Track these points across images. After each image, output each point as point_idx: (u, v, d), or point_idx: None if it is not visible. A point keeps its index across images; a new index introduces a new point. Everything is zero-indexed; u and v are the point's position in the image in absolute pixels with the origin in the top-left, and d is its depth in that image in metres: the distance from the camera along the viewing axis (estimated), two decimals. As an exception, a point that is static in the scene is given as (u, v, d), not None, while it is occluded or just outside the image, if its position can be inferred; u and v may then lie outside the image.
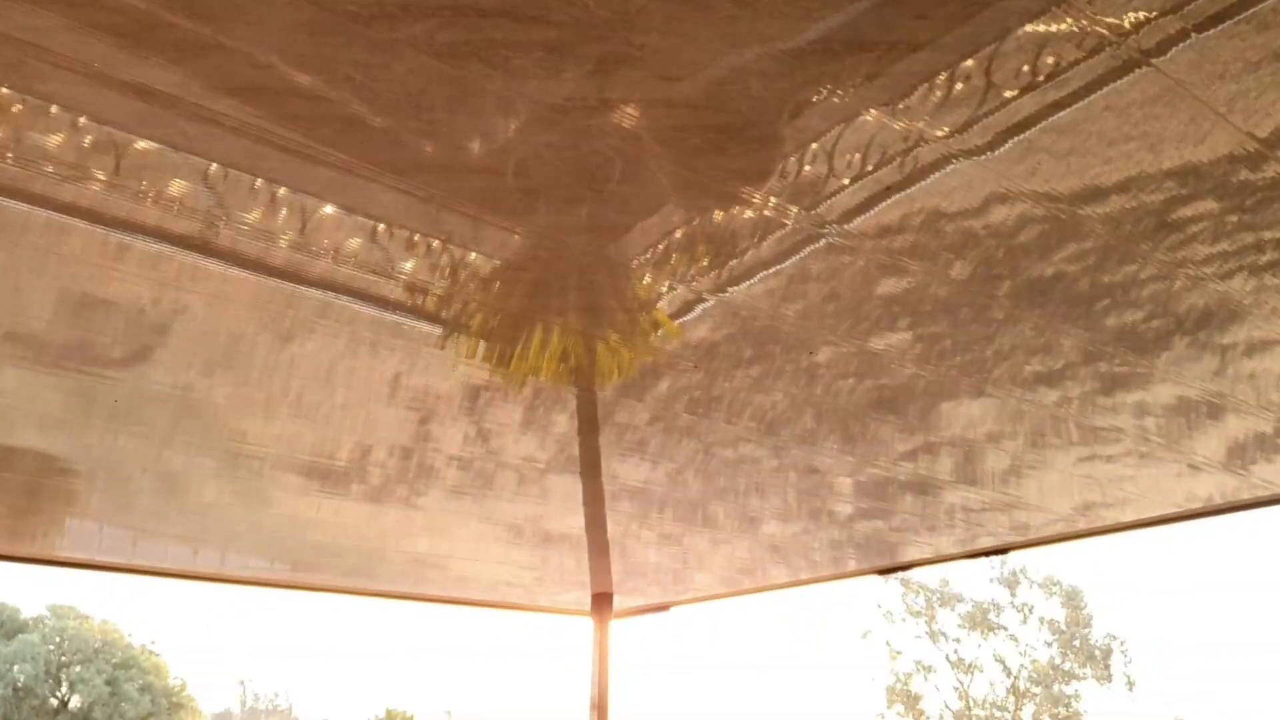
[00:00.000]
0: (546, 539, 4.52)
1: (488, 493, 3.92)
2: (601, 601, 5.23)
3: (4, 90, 1.64)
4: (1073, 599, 39.74)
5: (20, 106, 1.67)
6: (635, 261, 2.18)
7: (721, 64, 1.60)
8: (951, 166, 1.88)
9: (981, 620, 40.41)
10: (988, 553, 4.09)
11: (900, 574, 40.37)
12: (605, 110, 1.69)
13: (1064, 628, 39.43)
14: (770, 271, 2.20)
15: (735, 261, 2.14)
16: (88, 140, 1.73)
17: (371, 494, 3.95)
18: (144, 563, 4.72)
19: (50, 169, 1.81)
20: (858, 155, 1.88)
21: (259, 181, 1.87)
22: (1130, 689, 38.39)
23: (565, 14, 1.48)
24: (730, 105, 1.69)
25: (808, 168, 1.88)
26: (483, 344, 2.48)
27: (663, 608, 5.63)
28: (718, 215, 2.01)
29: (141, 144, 1.76)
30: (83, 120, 1.70)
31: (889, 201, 1.98)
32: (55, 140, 1.72)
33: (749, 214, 2.00)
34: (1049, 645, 39.62)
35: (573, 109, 1.68)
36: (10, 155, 1.76)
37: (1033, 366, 2.80)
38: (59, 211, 1.94)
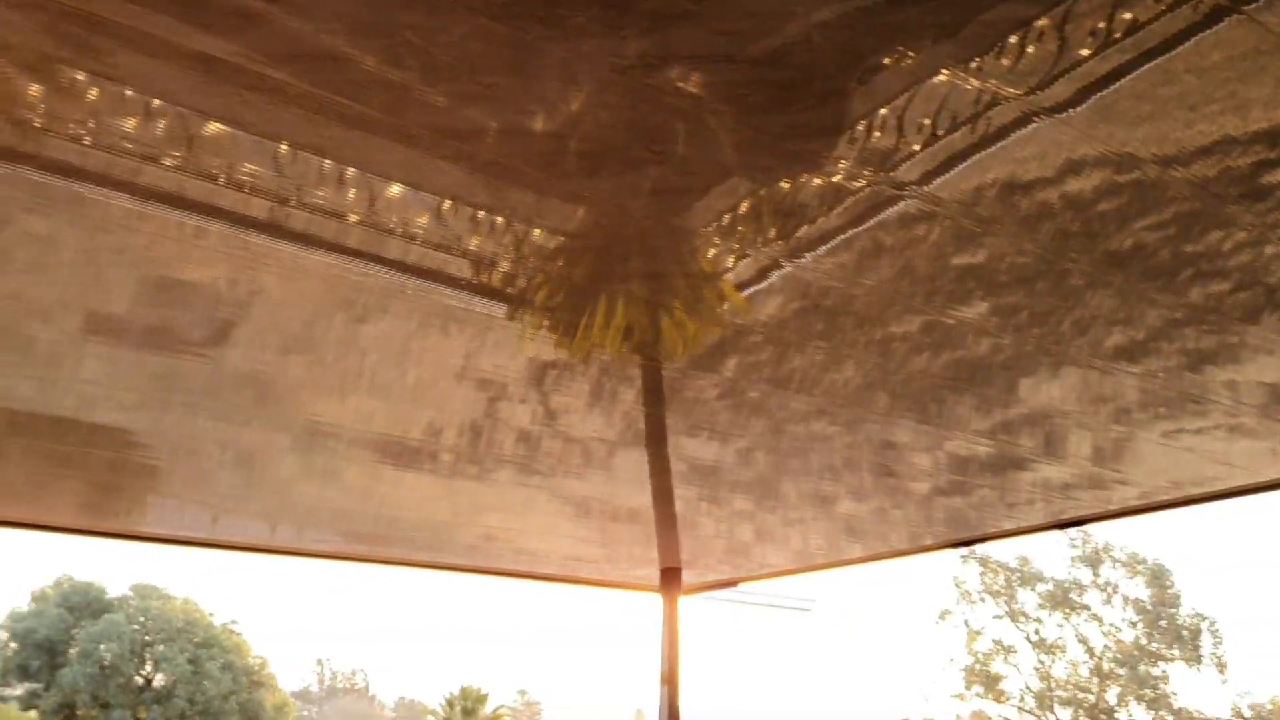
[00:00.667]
0: (614, 516, 4.53)
1: (556, 470, 3.94)
2: (670, 576, 5.27)
3: (79, 75, 1.68)
4: (1158, 577, 38.87)
5: (95, 90, 1.70)
6: (700, 230, 2.16)
7: (783, 17, 1.56)
8: (1030, 127, 1.82)
9: (1063, 600, 39.74)
10: (1069, 524, 4.00)
11: (978, 548, 39.87)
12: (665, 68, 1.66)
13: (1149, 607, 38.60)
14: (841, 239, 2.15)
15: (804, 229, 2.10)
16: (161, 124, 1.76)
17: (443, 471, 3.99)
18: (224, 537, 4.84)
19: (126, 152, 1.84)
20: (928, 119, 1.83)
21: (327, 163, 1.89)
22: (1221, 671, 37.45)
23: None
24: (793, 61, 1.65)
25: (876, 132, 1.84)
26: (547, 318, 2.48)
27: (731, 583, 5.65)
28: (784, 182, 1.98)
29: (212, 126, 1.78)
30: (156, 102, 1.72)
31: (965, 165, 1.92)
32: (129, 124, 1.75)
33: (817, 180, 1.96)
34: (1134, 625, 38.85)
35: (632, 68, 1.66)
36: (87, 139, 1.79)
37: (1114, 338, 2.72)
38: (136, 195, 1.98)
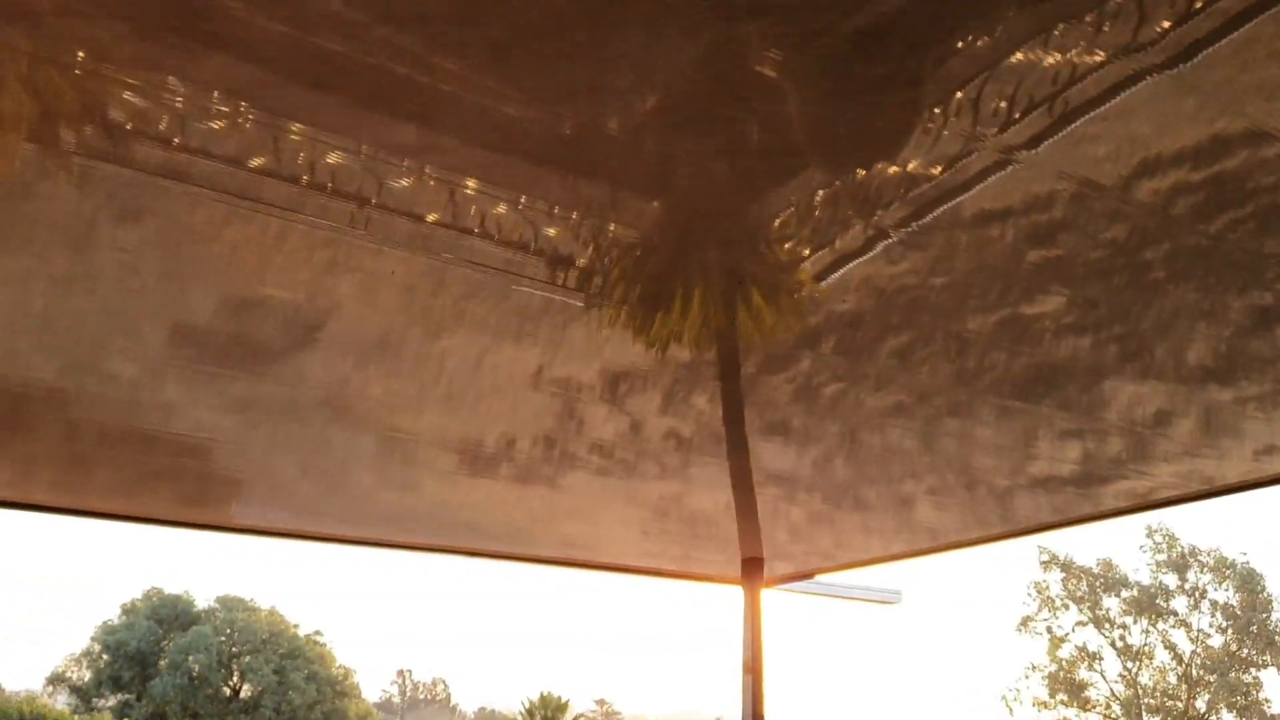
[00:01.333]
0: (694, 510, 4.53)
1: (633, 474, 3.94)
2: (752, 567, 5.30)
3: (168, 78, 1.72)
4: (1248, 582, 37.70)
5: (183, 93, 1.75)
6: (777, 220, 2.15)
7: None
8: (1116, 101, 1.78)
9: (1149, 605, 38.75)
10: (1156, 505, 3.90)
11: (1061, 553, 39.00)
12: (743, 47, 1.65)
13: (1239, 612, 37.45)
14: (918, 226, 2.13)
15: (879, 214, 2.08)
16: (249, 122, 1.80)
17: (519, 476, 4.02)
18: (308, 528, 4.93)
19: (211, 155, 1.89)
20: (1003, 101, 1.81)
21: (406, 161, 1.92)
22: (1316, 677, 36.16)
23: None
24: (882, 31, 1.62)
25: (953, 117, 1.82)
26: (625, 312, 2.49)
27: (812, 574, 5.64)
28: (860, 172, 1.97)
29: (295, 126, 1.82)
30: (242, 104, 1.77)
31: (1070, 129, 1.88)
32: (217, 125, 1.80)
33: (893, 169, 1.95)
34: (1223, 631, 37.73)
35: (710, 44, 1.65)
36: (176, 141, 1.84)
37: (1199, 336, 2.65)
38: (221, 198, 2.02)
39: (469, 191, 2.02)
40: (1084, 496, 4.02)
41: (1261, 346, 2.76)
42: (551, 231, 2.16)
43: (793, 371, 2.96)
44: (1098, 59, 1.69)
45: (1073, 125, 1.82)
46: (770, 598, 5.61)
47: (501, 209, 2.08)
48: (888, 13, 1.59)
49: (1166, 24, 1.62)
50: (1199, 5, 1.59)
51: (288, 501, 4.54)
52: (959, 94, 1.78)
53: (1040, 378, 2.96)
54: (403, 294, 2.56)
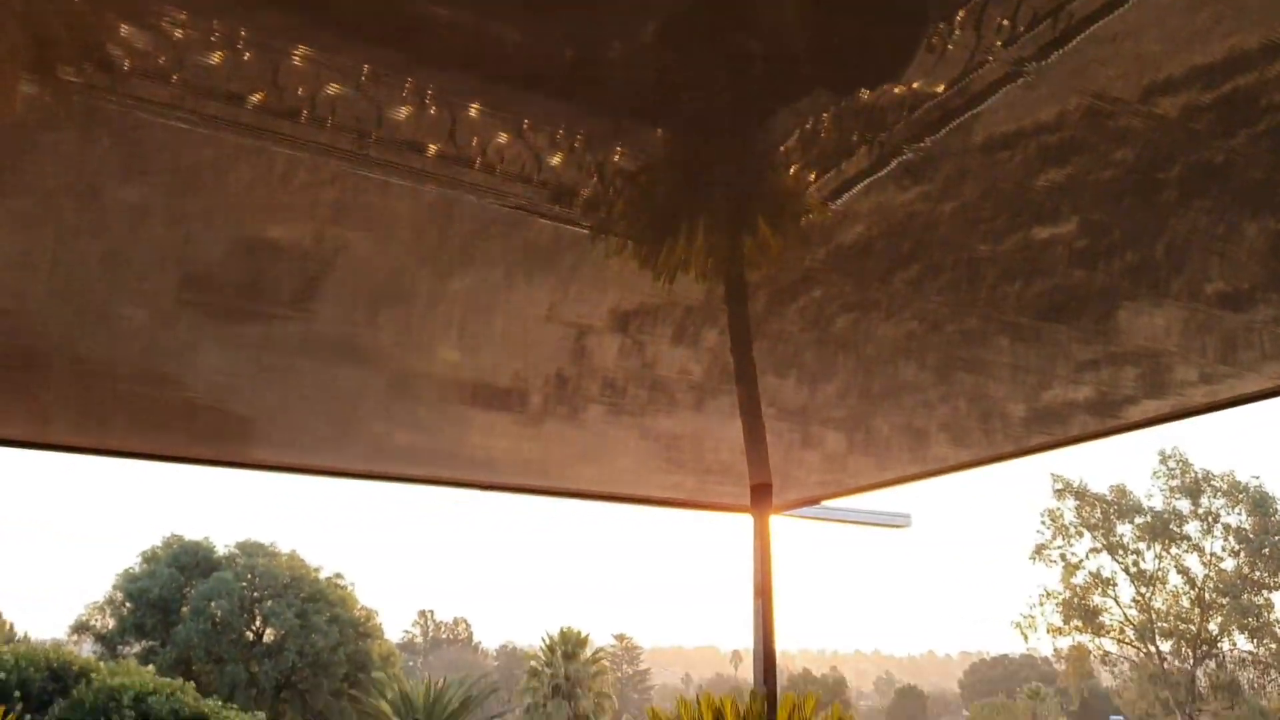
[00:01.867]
0: (704, 449, 4.56)
1: (645, 409, 3.96)
2: (760, 493, 5.38)
3: (166, 10, 1.70)
4: (1260, 505, 37.80)
5: (182, 25, 1.73)
6: (782, 145, 2.13)
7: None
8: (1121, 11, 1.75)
9: (1162, 531, 38.92)
10: (1167, 419, 3.88)
11: (1075, 480, 39.10)
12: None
13: (1251, 535, 37.61)
14: (921, 145, 2.11)
15: (884, 135, 2.06)
16: (248, 52, 1.79)
17: (533, 413, 4.05)
18: (325, 464, 4.98)
19: (212, 91, 1.88)
20: (1006, 19, 1.78)
21: (405, 88, 1.90)
22: (1328, 597, 36.42)
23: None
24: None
25: (956, 33, 1.80)
26: (631, 242, 2.48)
27: (816, 500, 5.71)
28: (864, 93, 1.94)
29: (297, 53, 1.80)
30: (242, 31, 1.75)
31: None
32: (215, 58, 1.78)
33: (898, 89, 1.93)
34: (1235, 554, 37.92)
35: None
36: (174, 78, 1.83)
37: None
38: (224, 135, 2.02)
39: (470, 118, 2.00)
40: (1095, 416, 4.02)
41: (1277, 269, 2.74)
42: (555, 161, 2.15)
43: (803, 302, 2.96)
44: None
45: (1081, 36, 1.79)
46: (783, 524, 5.70)
47: (503, 138, 2.06)
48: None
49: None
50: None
51: (303, 440, 4.58)
52: (962, 11, 1.76)
53: (1053, 304, 2.95)
54: (411, 233, 2.55)
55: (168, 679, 20.40)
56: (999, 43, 1.80)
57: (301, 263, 2.68)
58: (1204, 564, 38.40)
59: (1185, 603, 38.51)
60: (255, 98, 1.90)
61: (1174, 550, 38.93)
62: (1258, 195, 2.37)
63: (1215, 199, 2.39)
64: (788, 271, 2.71)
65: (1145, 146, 2.15)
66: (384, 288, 2.86)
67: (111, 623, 31.94)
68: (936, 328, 3.16)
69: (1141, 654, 39.22)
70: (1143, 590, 39.16)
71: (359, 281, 2.81)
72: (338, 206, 2.38)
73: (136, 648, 30.84)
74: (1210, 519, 38.65)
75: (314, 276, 2.75)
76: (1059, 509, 40.81)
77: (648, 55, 1.84)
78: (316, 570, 32.77)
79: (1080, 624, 39.71)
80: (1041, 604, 40.38)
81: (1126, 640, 39.53)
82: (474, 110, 1.97)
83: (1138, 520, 39.51)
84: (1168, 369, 3.46)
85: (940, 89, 1.91)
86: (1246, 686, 37.12)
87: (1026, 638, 40.88)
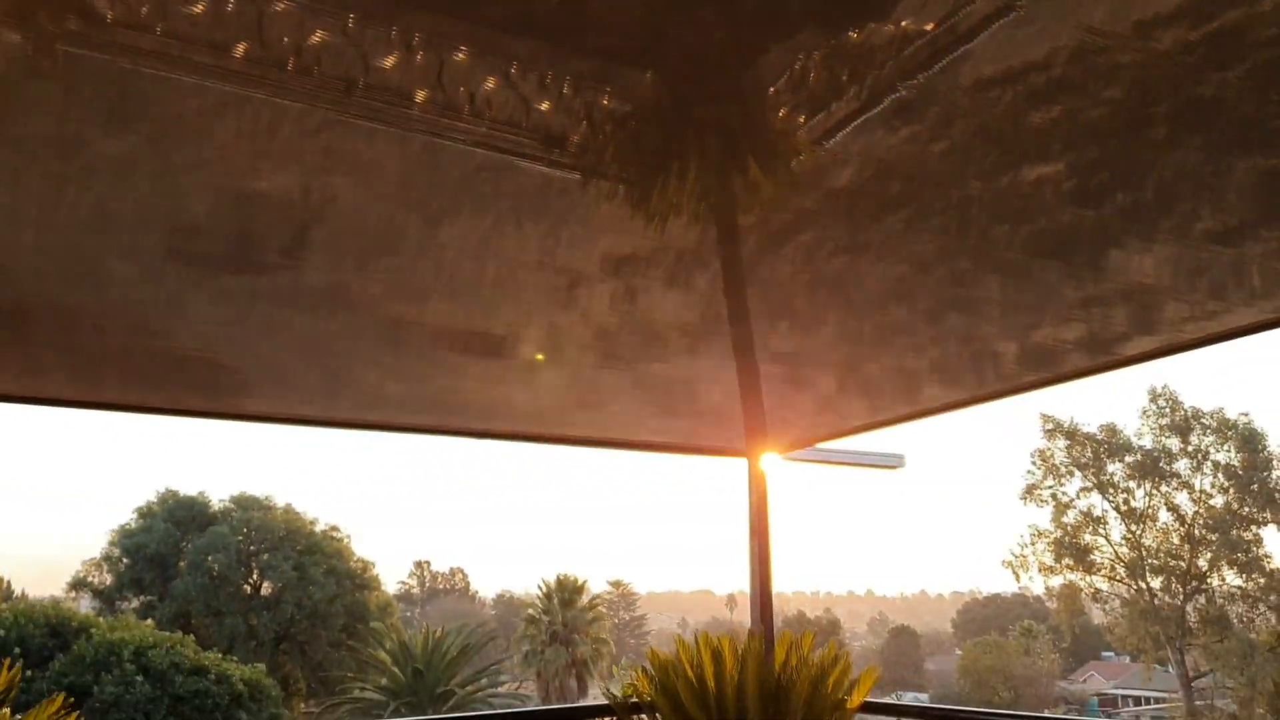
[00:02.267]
0: (698, 395, 4.58)
1: (640, 356, 3.97)
2: (754, 438, 5.43)
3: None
4: (1249, 441, 38.14)
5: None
6: (770, 86, 2.12)
7: None
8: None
9: (1152, 469, 39.28)
10: (1158, 354, 3.88)
11: (1067, 420, 39.34)
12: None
13: (1240, 472, 37.97)
14: (912, 83, 2.10)
15: (873, 75, 2.05)
16: (230, 5, 1.77)
17: (526, 364, 4.05)
18: (317, 414, 5.00)
19: (197, 40, 1.85)
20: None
21: (393, 33, 1.88)
22: (1316, 531, 36.84)
23: None
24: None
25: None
26: (622, 186, 2.47)
27: (808, 443, 5.76)
28: (853, 33, 1.93)
29: (280, 4, 1.78)
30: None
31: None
32: (198, 7, 1.76)
33: (888, 27, 1.91)
34: (1224, 490, 38.32)
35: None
36: (159, 27, 1.81)
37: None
38: (208, 85, 1.99)
39: (458, 62, 1.98)
40: (1087, 354, 4.04)
41: (1266, 206, 2.75)
42: (544, 106, 2.13)
43: (794, 245, 2.95)
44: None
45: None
46: (777, 467, 5.75)
47: (490, 84, 2.05)
48: None
49: None
50: None
51: (295, 391, 4.59)
52: (954, -54, 1.74)
53: (1044, 244, 2.95)
54: (399, 181, 2.54)
55: (167, 633, 20.56)
56: (990, -22, 1.79)
57: (290, 213, 2.66)
58: (1193, 501, 38.81)
59: (1175, 540, 38.96)
60: (240, 47, 1.88)
61: (1164, 488, 39.33)
62: (1247, 132, 2.37)
63: (1204, 136, 2.38)
64: (779, 214, 2.70)
65: (1134, 84, 2.14)
66: (373, 237, 2.85)
67: (109, 579, 32.15)
68: (927, 269, 3.16)
69: (1132, 591, 39.74)
70: (1133, 528, 39.60)
71: (348, 231, 2.80)
72: (325, 155, 2.36)
73: (135, 603, 31.08)
74: (1200, 456, 38.99)
75: (303, 226, 2.74)
76: (1049, 449, 41.12)
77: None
78: (312, 523, 32.97)
79: (1072, 562, 40.20)
80: (1033, 543, 40.84)
81: (1117, 578, 40.04)
82: (461, 55, 1.95)
83: (1128, 459, 39.86)
84: (1158, 306, 3.47)
85: (929, 26, 1.90)
86: (1235, 621, 37.68)
87: (1018, 577, 41.38)
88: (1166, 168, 2.53)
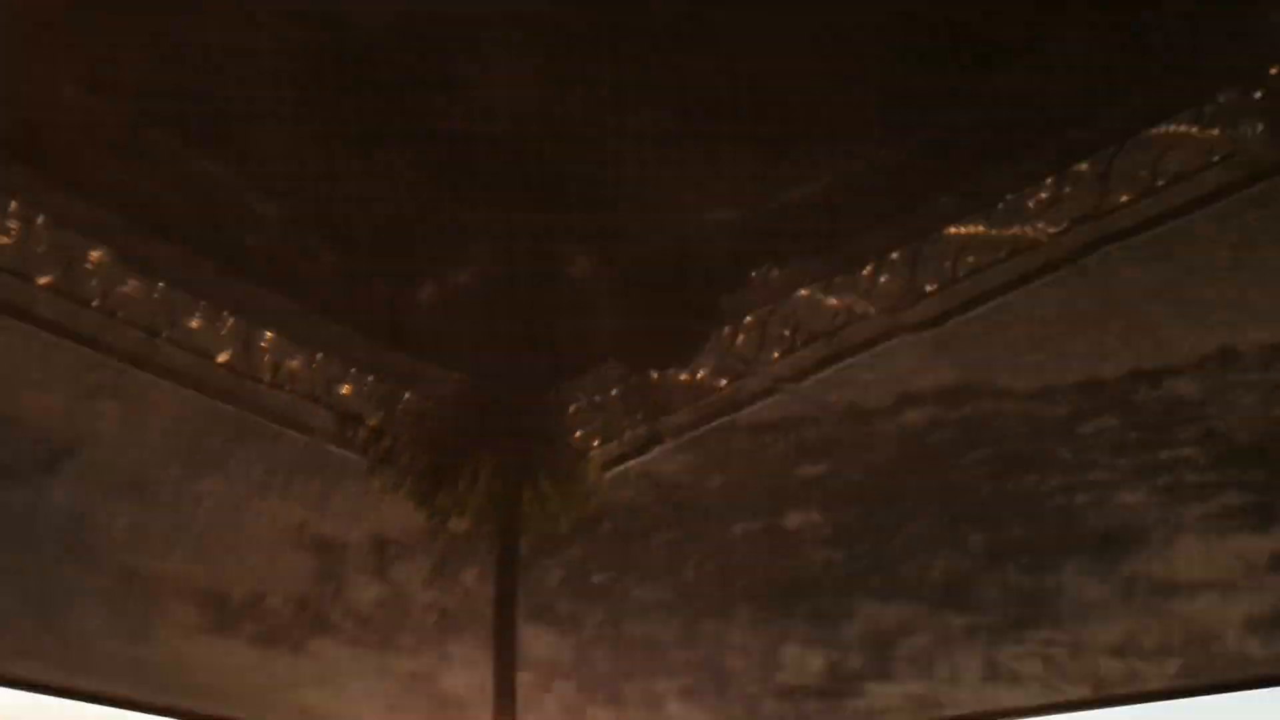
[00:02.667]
0: (445, 697, 4.36)
1: (388, 645, 3.78)
2: None
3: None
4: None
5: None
6: (573, 408, 2.20)
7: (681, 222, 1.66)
8: (884, 345, 1.95)
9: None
10: None
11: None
12: (566, 242, 1.73)
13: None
14: (701, 432, 2.23)
15: (666, 419, 2.17)
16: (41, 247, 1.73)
17: (264, 636, 3.79)
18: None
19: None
20: (788, 330, 1.95)
21: (204, 303, 1.87)
22: None
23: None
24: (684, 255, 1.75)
25: (742, 335, 1.95)
26: (410, 479, 2.45)
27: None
28: (654, 373, 2.06)
29: (95, 253, 1.76)
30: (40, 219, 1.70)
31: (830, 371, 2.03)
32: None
33: (684, 375, 2.05)
34: None
35: (528, 242, 1.72)
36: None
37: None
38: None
39: (265, 340, 1.98)
40: (826, 709, 4.11)
41: (993, 581, 2.96)
42: (344, 390, 2.13)
43: (566, 555, 2.96)
44: (870, 310, 1.87)
45: (841, 364, 1.98)
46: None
47: (296, 360, 2.04)
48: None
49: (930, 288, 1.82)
50: (961, 275, 1.79)
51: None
52: (749, 317, 1.92)
53: (794, 587, 3.06)
54: (170, 427, 2.44)
55: None
56: (775, 354, 1.97)
57: (42, 441, 2.50)
58: None
59: None
60: (43, 279, 1.82)
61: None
62: (979, 512, 2.58)
63: (939, 511, 2.58)
64: (556, 528, 2.73)
65: (890, 455, 2.33)
66: (128, 479, 2.69)
67: None
68: (686, 597, 3.20)
69: None
70: None
71: (102, 469, 2.63)
72: (97, 390, 2.26)
73: None
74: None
75: (53, 457, 2.56)
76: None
77: (458, 307, 1.90)
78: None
79: None
80: None
81: None
82: (270, 333, 1.96)
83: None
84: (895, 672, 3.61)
85: (723, 384, 2.05)
86: None
87: None
88: (908, 531, 2.71)
